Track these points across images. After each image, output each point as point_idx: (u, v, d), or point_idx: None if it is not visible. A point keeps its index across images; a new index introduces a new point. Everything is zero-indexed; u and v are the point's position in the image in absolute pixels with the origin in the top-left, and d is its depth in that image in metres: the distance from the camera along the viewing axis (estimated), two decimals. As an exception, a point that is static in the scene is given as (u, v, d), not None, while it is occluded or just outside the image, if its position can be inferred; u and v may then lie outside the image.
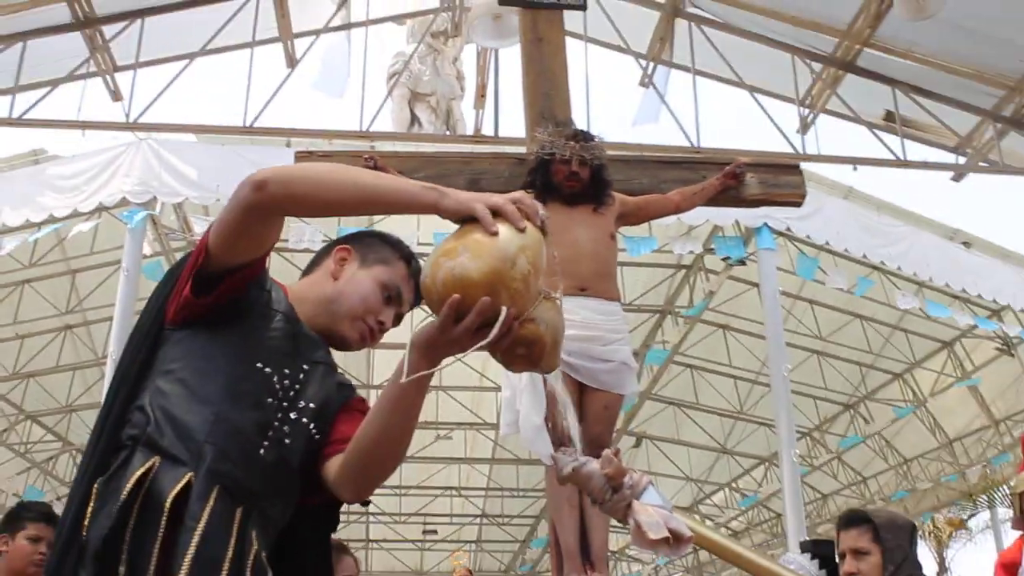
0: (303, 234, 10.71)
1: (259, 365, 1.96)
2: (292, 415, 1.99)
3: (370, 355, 14.61)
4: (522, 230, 1.68)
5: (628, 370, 4.52)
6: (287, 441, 1.97)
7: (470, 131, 11.40)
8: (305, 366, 2.05)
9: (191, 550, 1.75)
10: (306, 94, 10.57)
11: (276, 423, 1.96)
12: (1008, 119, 10.05)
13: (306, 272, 2.23)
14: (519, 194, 1.77)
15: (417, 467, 18.51)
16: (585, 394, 4.36)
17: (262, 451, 1.92)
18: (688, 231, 11.46)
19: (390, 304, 2.18)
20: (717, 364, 15.31)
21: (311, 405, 2.04)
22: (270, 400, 1.97)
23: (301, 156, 4.88)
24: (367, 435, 1.96)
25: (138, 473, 1.79)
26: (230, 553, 1.81)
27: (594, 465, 1.97)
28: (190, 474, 1.81)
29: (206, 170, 9.34)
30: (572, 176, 4.60)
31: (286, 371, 2.00)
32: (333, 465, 2.03)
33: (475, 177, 4.89)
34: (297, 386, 2.02)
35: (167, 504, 1.77)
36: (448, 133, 11.92)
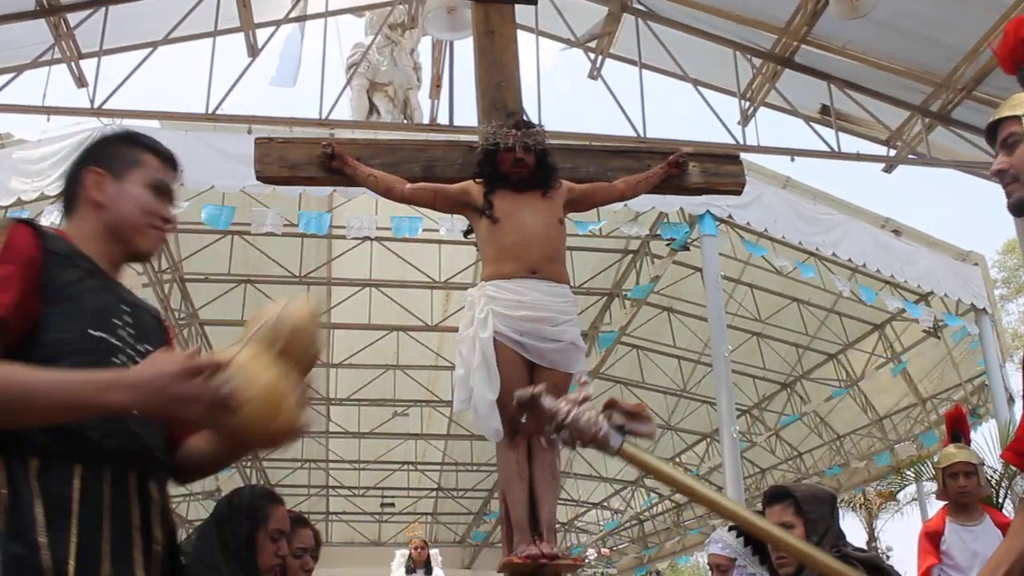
0: (264, 218, 10.64)
1: (92, 332, 1.92)
2: (139, 360, 1.96)
3: (331, 335, 14.61)
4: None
5: (577, 350, 4.54)
6: None
7: (426, 120, 11.34)
8: (126, 309, 2.03)
9: (97, 530, 1.79)
10: (267, 83, 10.47)
11: None
12: (935, 114, 10.19)
13: (67, 212, 2.13)
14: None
15: (375, 443, 18.50)
16: (535, 373, 4.37)
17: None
18: (635, 217, 11.50)
19: (163, 197, 2.14)
20: (662, 345, 15.42)
21: (148, 347, 2.02)
22: (117, 359, 1.94)
23: (261, 143, 4.84)
24: (202, 452, 2.10)
25: (33, 473, 1.78)
26: (137, 522, 1.86)
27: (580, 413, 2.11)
28: (79, 466, 1.81)
29: (170, 156, 9.25)
30: (518, 163, 4.63)
31: (116, 323, 1.98)
32: (182, 450, 2.13)
33: (430, 164, 4.88)
34: (132, 331, 2.01)
35: (73, 498, 1.78)
36: (405, 122, 11.86)
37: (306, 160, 4.79)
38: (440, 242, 12.69)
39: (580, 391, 2.17)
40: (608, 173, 5.04)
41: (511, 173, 4.62)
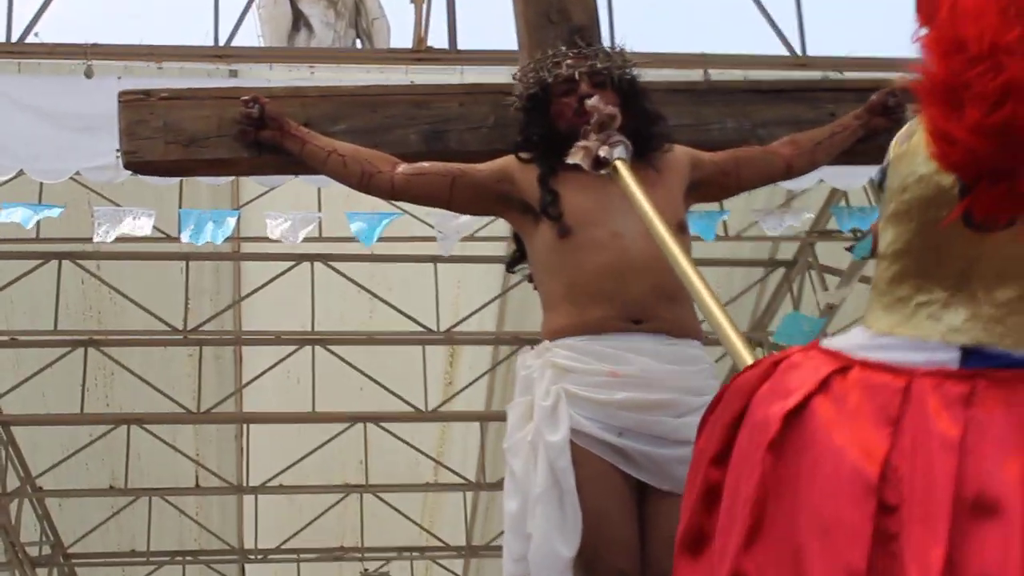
0: (115, 223, 10.64)
1: None
2: None
3: (242, 435, 14.63)
4: None
5: (717, 456, 4.50)
6: None
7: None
8: None
9: None
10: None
11: None
12: None
13: None
14: None
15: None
16: (648, 501, 4.34)
17: None
18: (788, 201, 11.48)
19: None
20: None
21: None
22: None
23: (133, 101, 4.84)
24: None
25: None
26: None
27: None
28: None
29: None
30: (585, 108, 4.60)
31: None
32: None
33: (438, 128, 4.89)
34: None
35: None
36: (362, 46, 11.85)
37: (214, 128, 4.80)
38: (438, 260, 12.77)
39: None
40: (759, 131, 5.03)
41: (576, 130, 4.59)
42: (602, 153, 4.24)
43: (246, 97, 4.80)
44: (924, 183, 2.38)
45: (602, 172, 4.24)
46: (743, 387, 2.56)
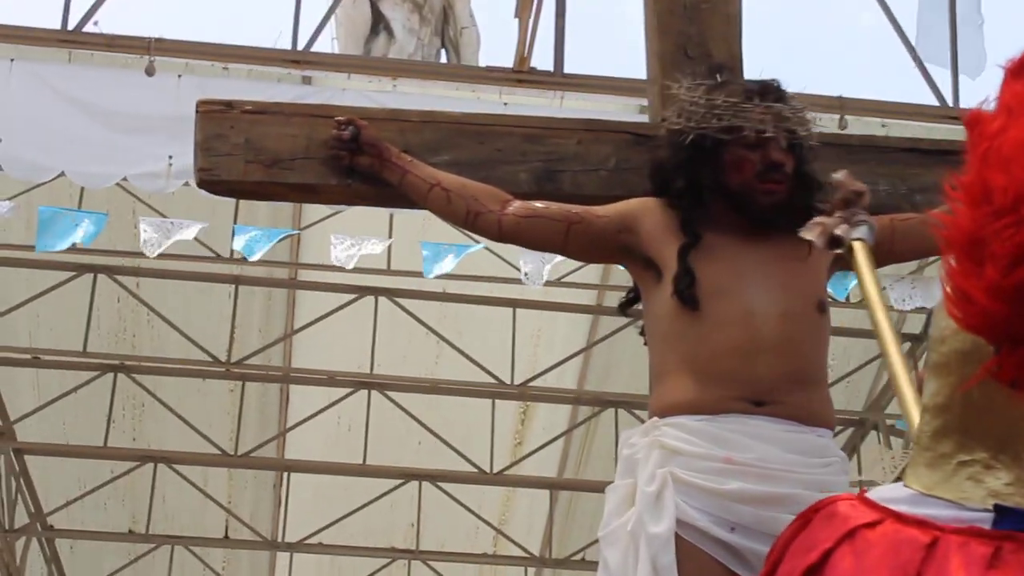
0: (161, 236, 10.68)
1: None
2: None
3: (282, 484, 14.59)
4: None
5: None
6: None
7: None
8: None
9: None
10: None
11: None
12: None
13: None
14: None
15: None
16: (762, 605, 4.28)
17: None
18: (920, 268, 11.39)
19: None
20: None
21: None
22: None
23: (213, 112, 4.78)
24: None
25: None
26: None
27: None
28: None
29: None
30: (772, 171, 4.50)
31: None
32: None
33: (552, 167, 4.81)
34: None
35: None
36: (447, 57, 11.83)
37: (302, 150, 4.73)
38: (517, 304, 12.80)
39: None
40: (916, 196, 4.93)
41: (757, 197, 4.53)
42: (839, 231, 4.21)
43: (341, 118, 4.74)
44: (961, 336, 2.39)
45: (837, 251, 4.24)
46: (785, 536, 2.67)
